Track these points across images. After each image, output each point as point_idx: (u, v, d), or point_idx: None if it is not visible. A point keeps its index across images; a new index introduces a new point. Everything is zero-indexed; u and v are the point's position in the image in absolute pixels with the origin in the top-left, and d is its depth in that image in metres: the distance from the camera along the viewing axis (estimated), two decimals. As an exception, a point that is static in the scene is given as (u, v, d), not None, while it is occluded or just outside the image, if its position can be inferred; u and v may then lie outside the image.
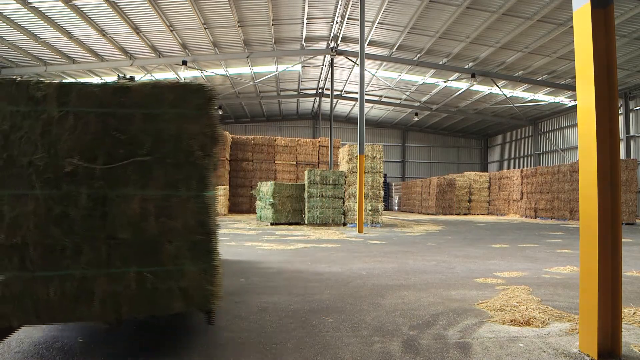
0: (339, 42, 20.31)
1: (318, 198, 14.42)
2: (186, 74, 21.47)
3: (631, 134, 22.56)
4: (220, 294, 2.69)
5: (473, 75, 21.22)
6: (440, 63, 21.22)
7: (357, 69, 16.44)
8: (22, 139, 2.42)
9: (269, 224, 14.46)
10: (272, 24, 17.69)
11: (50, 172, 2.44)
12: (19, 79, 2.46)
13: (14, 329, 2.51)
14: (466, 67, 21.38)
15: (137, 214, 2.51)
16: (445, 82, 23.89)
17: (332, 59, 21.17)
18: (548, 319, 3.26)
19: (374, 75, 23.66)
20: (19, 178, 2.40)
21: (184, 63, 19.73)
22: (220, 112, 28.43)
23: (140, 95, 2.58)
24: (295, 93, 29.23)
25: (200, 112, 2.66)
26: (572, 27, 7.16)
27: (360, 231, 11.70)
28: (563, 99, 24.97)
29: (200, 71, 21.73)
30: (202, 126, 2.64)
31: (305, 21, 17.92)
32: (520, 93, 24.94)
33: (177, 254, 2.53)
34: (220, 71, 22.49)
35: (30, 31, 16.12)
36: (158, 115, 2.59)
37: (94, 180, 2.48)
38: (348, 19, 18.02)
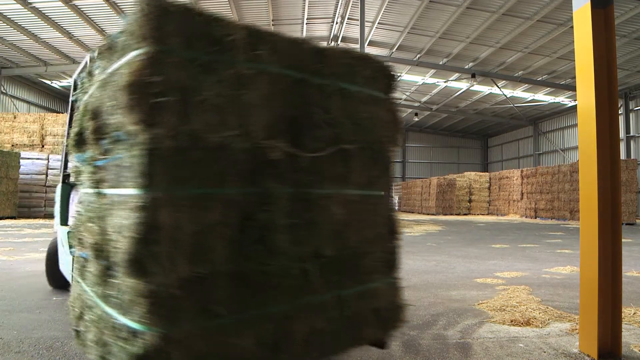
0: (339, 42, 20.30)
1: (318, 198, 14.39)
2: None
3: (631, 134, 22.56)
4: (405, 310, 2.15)
5: (473, 76, 21.21)
6: (440, 63, 21.21)
7: (357, 69, 16.43)
8: (204, 104, 1.46)
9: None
10: (272, 24, 17.68)
11: (245, 160, 1.58)
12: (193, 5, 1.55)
13: None
14: (466, 67, 21.38)
15: (341, 220, 1.87)
16: (445, 82, 23.89)
17: (332, 59, 21.17)
18: (548, 319, 3.26)
19: (374, 75, 23.65)
20: (204, 168, 1.49)
21: (184, 63, 19.73)
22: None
23: (336, 64, 1.94)
24: (295, 93, 29.23)
25: (387, 94, 2.19)
26: (572, 27, 7.16)
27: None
28: (563, 99, 24.97)
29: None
30: (389, 111, 2.17)
31: (305, 21, 17.94)
32: (520, 93, 24.94)
33: (372, 268, 2.01)
34: (220, 71, 22.52)
35: (30, 31, 16.13)
36: (354, 92, 1.99)
37: (300, 174, 1.73)
38: (348, 19, 18.02)
